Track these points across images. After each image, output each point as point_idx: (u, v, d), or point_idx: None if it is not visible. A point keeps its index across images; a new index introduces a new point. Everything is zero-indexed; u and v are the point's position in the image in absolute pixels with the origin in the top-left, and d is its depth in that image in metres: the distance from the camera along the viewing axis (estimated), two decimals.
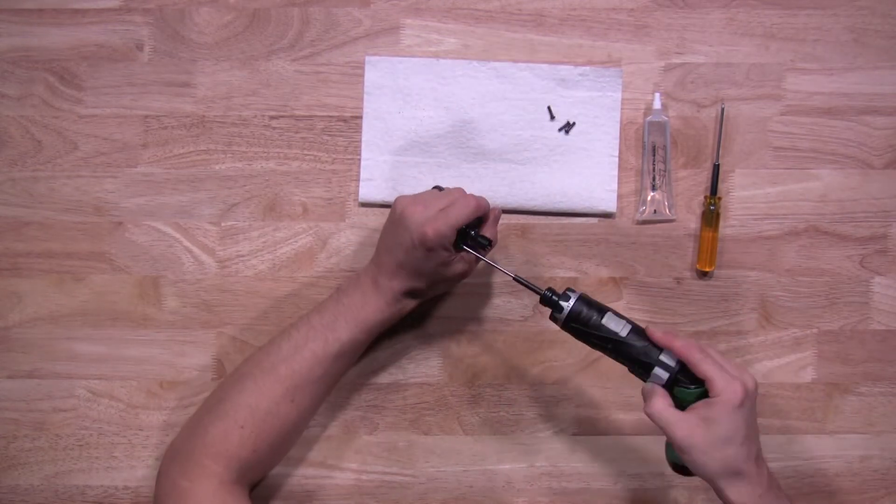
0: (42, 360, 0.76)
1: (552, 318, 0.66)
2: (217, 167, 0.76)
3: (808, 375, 0.77)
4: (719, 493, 0.61)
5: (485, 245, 0.68)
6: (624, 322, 0.64)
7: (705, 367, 0.61)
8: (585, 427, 0.77)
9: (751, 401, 0.61)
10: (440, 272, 0.67)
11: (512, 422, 0.77)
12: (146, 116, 0.76)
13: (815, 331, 0.77)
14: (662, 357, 0.63)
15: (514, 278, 0.67)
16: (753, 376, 0.62)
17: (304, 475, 0.76)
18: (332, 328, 0.67)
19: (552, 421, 0.77)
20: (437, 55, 0.76)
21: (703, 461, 0.60)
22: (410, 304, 0.69)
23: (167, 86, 0.77)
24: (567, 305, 0.64)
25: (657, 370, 0.63)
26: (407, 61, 0.76)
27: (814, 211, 0.77)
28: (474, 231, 0.68)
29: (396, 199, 0.68)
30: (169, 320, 0.76)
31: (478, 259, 0.69)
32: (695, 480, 0.77)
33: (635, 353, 0.64)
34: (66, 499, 0.76)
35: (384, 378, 0.77)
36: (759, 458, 0.62)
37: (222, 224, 0.77)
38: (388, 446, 0.77)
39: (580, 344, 0.76)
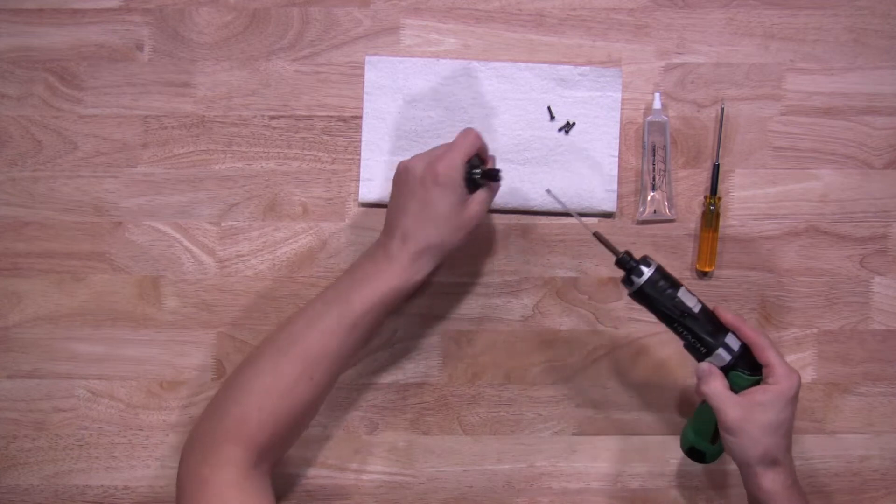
0: (42, 360, 0.76)
1: (625, 281, 0.66)
2: (217, 167, 0.76)
3: (808, 375, 0.77)
4: (752, 478, 0.64)
5: (496, 178, 0.67)
6: (695, 299, 0.65)
7: (770, 353, 0.64)
8: (585, 427, 0.77)
9: (797, 399, 0.64)
10: (455, 216, 0.66)
11: (512, 422, 0.77)
12: (146, 116, 0.76)
13: (815, 331, 0.77)
14: (728, 339, 0.65)
15: (593, 234, 0.67)
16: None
17: (304, 475, 0.76)
18: (346, 301, 0.65)
19: (552, 421, 0.77)
20: (437, 55, 0.76)
21: (748, 445, 0.63)
22: (425, 267, 0.67)
23: (167, 86, 0.77)
24: (648, 271, 0.64)
25: (720, 351, 0.65)
26: (407, 61, 0.76)
27: (814, 211, 0.77)
28: (480, 168, 0.67)
29: (399, 164, 0.68)
30: (169, 320, 0.76)
31: (489, 201, 0.68)
32: (695, 480, 0.77)
33: (702, 331, 0.65)
34: (66, 499, 0.76)
35: (384, 378, 0.77)
36: (790, 451, 0.65)
37: (222, 224, 0.77)
38: (388, 446, 0.77)
39: (580, 344, 0.77)
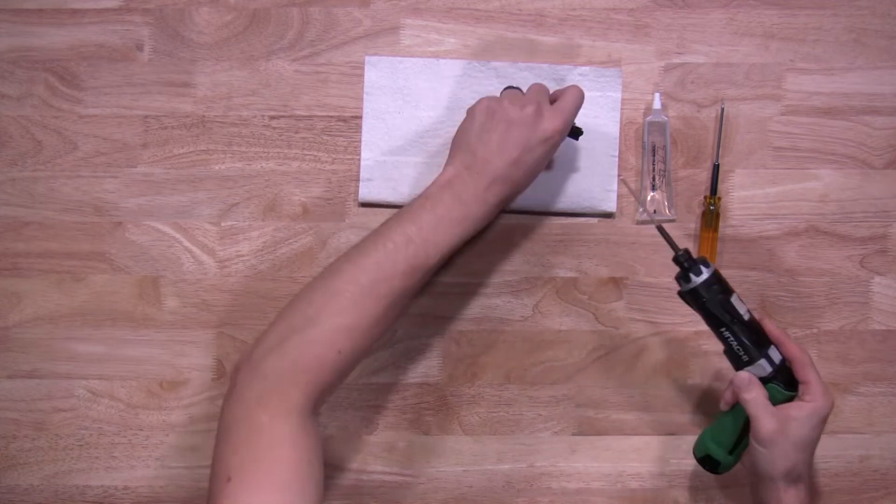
0: (42, 360, 0.76)
1: (680, 279, 0.66)
2: (217, 167, 0.76)
3: None
4: (774, 492, 0.65)
5: (578, 136, 0.71)
6: (745, 307, 0.66)
7: (810, 371, 0.65)
8: (585, 427, 0.77)
9: (828, 416, 0.65)
10: (541, 167, 0.67)
11: (512, 422, 0.77)
12: (146, 116, 0.76)
13: (815, 331, 0.77)
14: (770, 352, 0.65)
15: (657, 227, 0.67)
16: None
17: None
18: (433, 240, 0.62)
19: (552, 421, 0.77)
20: (437, 55, 0.76)
21: (778, 459, 0.64)
22: (496, 214, 0.67)
23: (167, 86, 0.77)
24: (706, 273, 0.64)
25: (762, 361, 0.65)
26: (407, 61, 0.76)
27: (814, 211, 0.77)
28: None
29: (492, 102, 0.66)
30: (169, 320, 0.76)
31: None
32: (695, 480, 0.77)
33: (748, 339, 0.65)
34: (66, 499, 0.76)
35: (384, 378, 0.77)
36: (811, 469, 0.67)
37: (222, 224, 0.77)
38: (388, 446, 0.77)
39: (580, 344, 0.77)
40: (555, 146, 0.67)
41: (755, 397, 0.65)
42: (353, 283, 0.61)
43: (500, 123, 0.65)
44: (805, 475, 0.65)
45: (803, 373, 0.65)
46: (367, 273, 0.61)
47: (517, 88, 0.71)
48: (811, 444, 0.65)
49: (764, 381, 0.65)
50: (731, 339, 0.65)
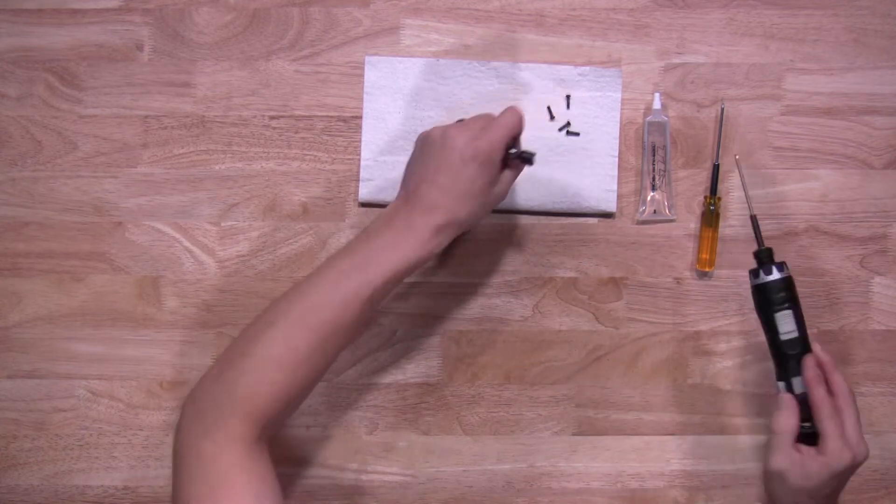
0: (42, 360, 0.76)
1: (752, 273, 0.68)
2: (217, 167, 0.76)
3: None
4: None
5: (530, 161, 0.66)
6: (795, 326, 0.66)
7: (827, 423, 0.64)
8: (585, 427, 0.77)
9: (852, 472, 0.64)
10: (484, 195, 0.64)
11: (512, 422, 0.77)
12: (146, 116, 0.76)
13: (815, 331, 0.77)
14: (794, 381, 0.66)
15: (751, 216, 0.69)
16: (868, 448, 0.64)
17: (304, 475, 0.76)
18: (364, 271, 0.62)
19: (552, 421, 0.77)
20: (437, 55, 0.76)
21: (780, 496, 0.65)
22: (445, 242, 0.64)
23: (167, 86, 0.77)
24: (775, 275, 0.66)
25: (780, 385, 0.66)
26: (407, 61, 0.76)
27: (814, 211, 0.77)
28: (515, 149, 0.66)
29: (430, 130, 0.65)
30: (169, 320, 0.76)
31: (513, 182, 0.67)
32: (695, 480, 0.77)
33: (778, 357, 0.66)
34: (65, 499, 0.76)
35: (384, 378, 0.77)
36: None
37: (222, 224, 0.77)
38: (388, 446, 0.77)
39: (580, 344, 0.77)
40: (485, 168, 0.63)
41: (782, 426, 0.65)
42: (283, 315, 0.62)
43: (427, 150, 0.65)
44: None
45: (820, 424, 0.64)
46: (297, 305, 0.62)
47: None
48: (819, 495, 0.64)
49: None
50: (784, 348, 0.66)
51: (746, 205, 0.74)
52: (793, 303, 0.66)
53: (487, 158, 0.63)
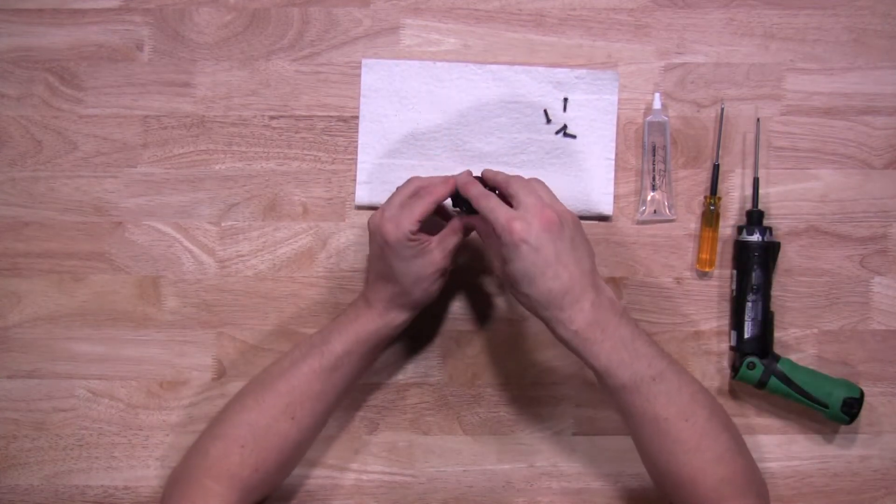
0: (42, 360, 0.76)
1: (740, 228, 0.75)
2: (217, 167, 0.76)
3: None
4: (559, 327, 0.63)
5: (460, 208, 0.68)
6: (755, 294, 0.73)
7: (484, 203, 0.63)
8: (585, 427, 0.77)
9: (559, 228, 0.61)
10: (409, 272, 0.66)
11: (512, 422, 0.77)
12: (146, 116, 0.76)
13: (815, 331, 0.77)
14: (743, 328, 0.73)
15: (754, 178, 0.74)
16: (564, 207, 0.64)
17: (304, 475, 0.76)
18: (327, 342, 0.68)
19: (552, 421, 0.77)
20: (436, 55, 0.76)
21: (526, 292, 0.62)
22: (399, 316, 0.68)
23: (167, 86, 0.77)
24: (761, 237, 0.73)
25: (747, 324, 0.74)
26: (403, 64, 0.76)
27: (814, 211, 0.77)
28: (459, 207, 0.68)
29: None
30: (169, 320, 0.76)
31: (454, 246, 0.68)
32: None
33: (754, 315, 0.73)
34: (66, 499, 0.76)
35: (384, 378, 0.77)
36: (592, 287, 0.62)
37: (222, 224, 0.77)
38: (388, 446, 0.77)
39: None
40: (397, 246, 0.64)
41: (486, 196, 0.63)
42: (256, 382, 0.69)
43: (369, 235, 0.68)
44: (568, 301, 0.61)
45: (479, 208, 0.63)
46: (269, 374, 0.69)
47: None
48: (564, 264, 0.61)
49: (740, 355, 0.73)
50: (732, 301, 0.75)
51: (751, 198, 0.74)
52: (763, 268, 0.72)
53: (395, 241, 0.64)
